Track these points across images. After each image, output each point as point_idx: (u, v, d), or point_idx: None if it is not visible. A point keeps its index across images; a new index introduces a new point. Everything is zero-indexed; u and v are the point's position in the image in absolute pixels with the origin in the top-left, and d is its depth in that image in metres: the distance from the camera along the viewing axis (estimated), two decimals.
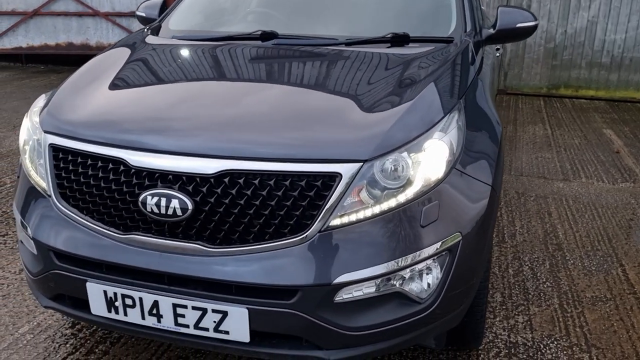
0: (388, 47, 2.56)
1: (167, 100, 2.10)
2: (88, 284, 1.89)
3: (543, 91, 8.09)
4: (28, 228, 2.02)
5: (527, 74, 8.09)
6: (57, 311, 2.10)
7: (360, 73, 2.22)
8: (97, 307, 1.92)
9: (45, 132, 2.04)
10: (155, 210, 1.78)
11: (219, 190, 1.76)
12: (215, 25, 3.06)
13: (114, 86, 2.25)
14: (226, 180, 1.76)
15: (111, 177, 1.86)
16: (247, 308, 1.75)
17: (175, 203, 1.76)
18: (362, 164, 1.76)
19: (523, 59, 8.05)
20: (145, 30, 2.97)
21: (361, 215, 1.77)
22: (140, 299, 1.84)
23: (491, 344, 2.55)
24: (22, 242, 2.17)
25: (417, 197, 1.82)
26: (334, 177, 1.75)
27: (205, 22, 3.10)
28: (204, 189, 1.76)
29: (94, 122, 2.00)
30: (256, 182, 1.75)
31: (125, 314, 1.89)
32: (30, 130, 2.17)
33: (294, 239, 1.75)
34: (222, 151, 1.78)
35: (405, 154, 1.83)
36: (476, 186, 1.99)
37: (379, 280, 1.78)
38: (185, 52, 2.55)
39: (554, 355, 2.49)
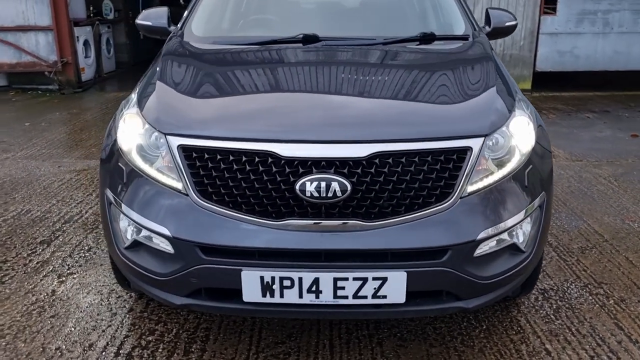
0: (418, 45, 2.92)
1: (289, 98, 2.27)
2: (243, 273, 2.01)
3: None
4: (163, 229, 2.06)
5: None
6: (193, 308, 2.17)
7: (432, 67, 2.56)
8: (251, 293, 2.03)
9: (169, 134, 2.10)
10: (315, 194, 1.96)
11: (372, 171, 1.99)
12: (239, 31, 3.20)
13: (213, 89, 2.36)
14: (376, 161, 1.99)
15: (260, 169, 2.00)
16: (406, 271, 2.00)
17: (335, 186, 1.95)
18: (484, 138, 2.10)
19: None
20: (177, 36, 3.03)
21: (487, 181, 2.10)
22: (300, 279, 2.00)
23: None
24: (135, 248, 2.19)
25: (522, 163, 2.19)
26: (466, 150, 2.06)
27: (230, 28, 3.22)
28: (359, 171, 1.98)
29: (229, 122, 2.12)
30: (403, 160, 2.01)
31: (282, 296, 2.03)
32: (132, 132, 2.22)
33: (441, 206, 2.03)
34: (371, 136, 2.02)
35: (505, 129, 2.20)
36: (545, 153, 2.42)
37: (502, 234, 2.12)
38: (254, 55, 2.69)
39: (578, 293, 3.00)
